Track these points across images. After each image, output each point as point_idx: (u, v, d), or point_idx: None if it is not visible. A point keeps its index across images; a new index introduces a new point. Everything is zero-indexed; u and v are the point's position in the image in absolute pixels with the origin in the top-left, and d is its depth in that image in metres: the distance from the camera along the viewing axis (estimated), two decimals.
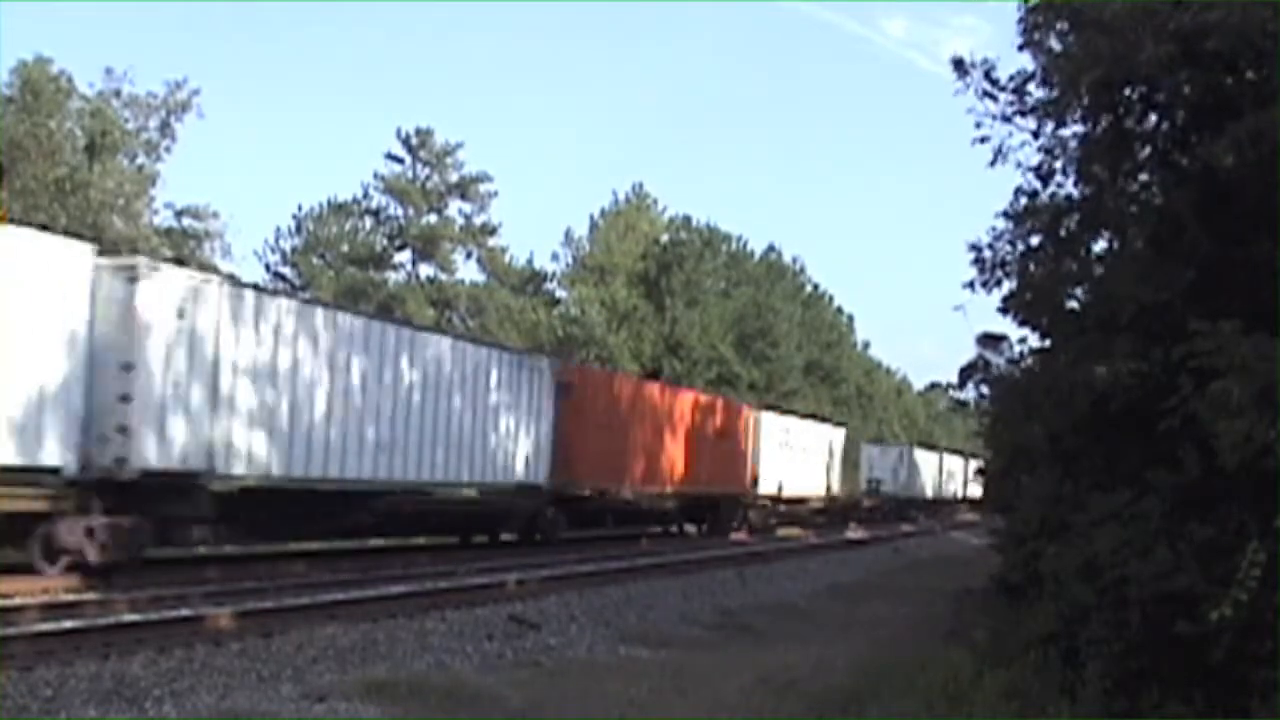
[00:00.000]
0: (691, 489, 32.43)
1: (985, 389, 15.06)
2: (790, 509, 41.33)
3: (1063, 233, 11.08)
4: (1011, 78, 10.98)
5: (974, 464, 52.22)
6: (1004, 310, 12.09)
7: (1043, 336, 12.85)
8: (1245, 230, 8.53)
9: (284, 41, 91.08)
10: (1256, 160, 7.87)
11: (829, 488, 45.31)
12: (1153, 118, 10.01)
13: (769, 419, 39.49)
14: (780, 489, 39.51)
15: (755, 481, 37.51)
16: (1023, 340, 13.39)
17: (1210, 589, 7.10)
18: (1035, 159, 11.29)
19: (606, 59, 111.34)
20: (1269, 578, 6.75)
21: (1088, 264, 11.34)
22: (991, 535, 17.62)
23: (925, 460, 60.76)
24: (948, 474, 64.39)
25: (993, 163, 11.02)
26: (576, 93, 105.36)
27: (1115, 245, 11.16)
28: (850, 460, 53.05)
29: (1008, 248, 11.83)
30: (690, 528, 34.34)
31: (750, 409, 38.93)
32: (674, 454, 31.62)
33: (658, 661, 12.38)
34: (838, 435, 46.98)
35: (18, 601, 12.38)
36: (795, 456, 41.06)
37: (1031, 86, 10.93)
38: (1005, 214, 11.86)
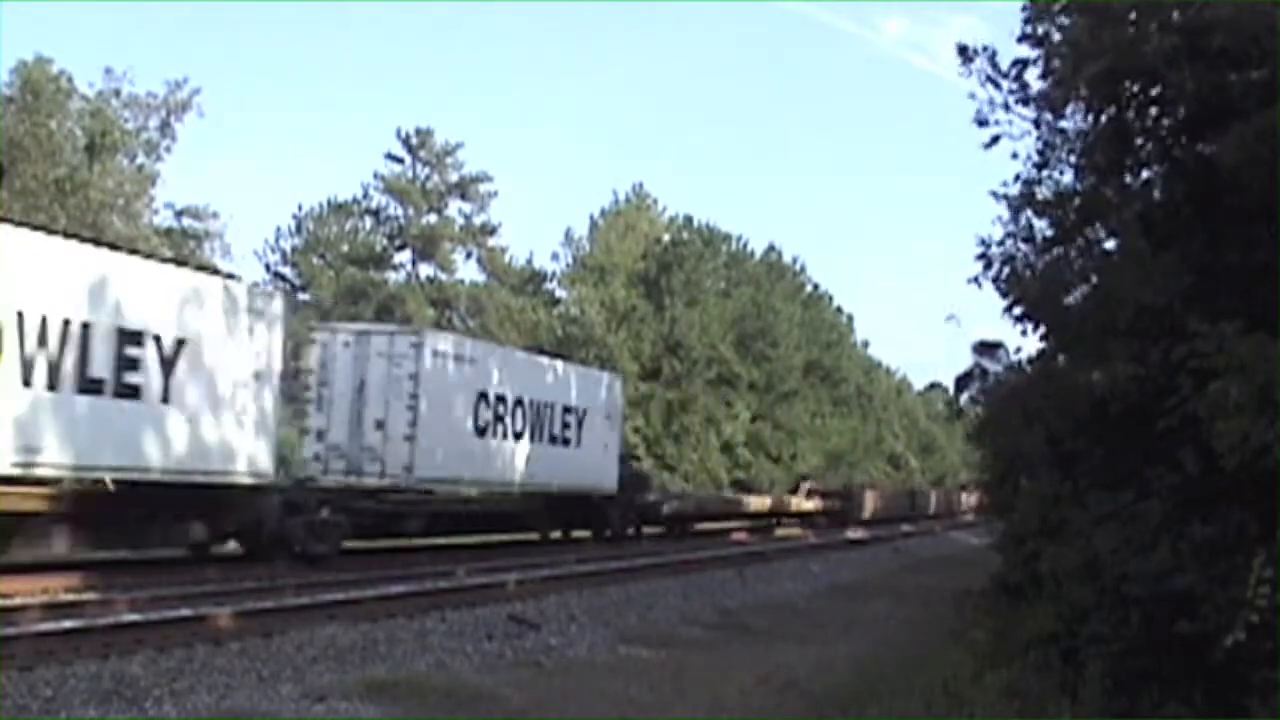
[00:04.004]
0: None
1: (982, 397, 14.99)
2: None
3: (1066, 223, 11.04)
4: (1014, 63, 10.93)
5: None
6: (1004, 300, 12.02)
7: (1043, 338, 12.80)
8: (1246, 229, 8.52)
9: (284, 41, 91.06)
10: (1259, 158, 7.85)
11: None
12: (1154, 111, 9.96)
13: None
14: None
15: None
16: (1019, 350, 13.33)
17: (1210, 589, 7.09)
18: (1036, 149, 11.25)
19: (606, 59, 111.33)
20: (1273, 580, 6.73)
21: (1089, 261, 11.30)
22: (991, 535, 17.59)
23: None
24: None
25: (989, 145, 10.97)
26: (577, 93, 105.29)
27: (1116, 243, 11.12)
28: None
29: (1010, 240, 11.79)
30: None
31: None
32: None
33: (658, 661, 12.38)
34: None
35: (18, 601, 12.38)
36: None
37: (1031, 77, 10.90)
38: (1005, 197, 11.76)
